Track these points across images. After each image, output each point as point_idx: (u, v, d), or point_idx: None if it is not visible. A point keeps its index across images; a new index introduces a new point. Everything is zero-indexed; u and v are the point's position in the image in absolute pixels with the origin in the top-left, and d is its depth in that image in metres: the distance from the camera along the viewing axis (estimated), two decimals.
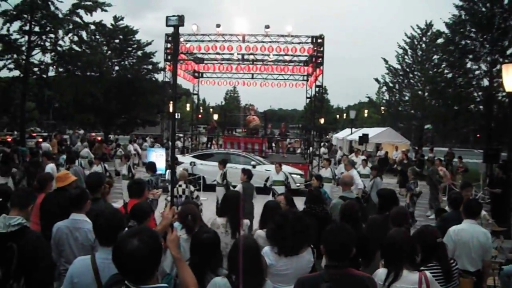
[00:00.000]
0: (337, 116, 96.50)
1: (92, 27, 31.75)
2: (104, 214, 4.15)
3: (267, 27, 23.56)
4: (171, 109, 30.23)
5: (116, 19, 42.60)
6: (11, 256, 4.28)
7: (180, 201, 11.48)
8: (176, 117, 28.22)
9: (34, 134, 43.57)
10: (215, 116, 50.00)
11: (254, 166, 19.58)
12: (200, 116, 50.32)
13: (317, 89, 25.76)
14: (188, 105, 67.20)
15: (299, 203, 8.07)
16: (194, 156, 21.89)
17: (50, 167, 12.53)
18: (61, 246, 5.20)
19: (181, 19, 4.29)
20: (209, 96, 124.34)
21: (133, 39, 43.43)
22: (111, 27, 41.00)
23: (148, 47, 43.50)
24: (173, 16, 4.41)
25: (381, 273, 4.40)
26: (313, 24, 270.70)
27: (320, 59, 24.15)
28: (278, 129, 34.53)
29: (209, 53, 26.14)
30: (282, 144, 29.09)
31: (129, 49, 43.36)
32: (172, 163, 4.61)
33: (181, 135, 31.80)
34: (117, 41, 42.61)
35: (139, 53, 43.42)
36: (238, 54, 26.34)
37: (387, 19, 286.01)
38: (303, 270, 4.80)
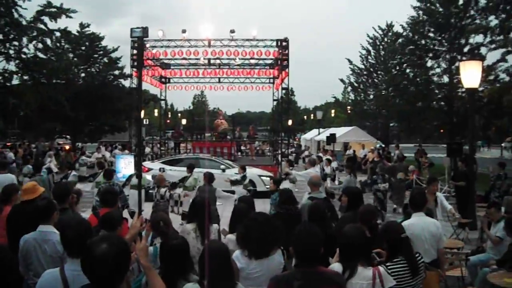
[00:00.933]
0: (305, 117, 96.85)
1: (57, 34, 31.47)
2: (71, 225, 4.17)
3: (232, 31, 23.73)
4: (141, 115, 30.42)
5: (82, 26, 42.14)
6: None
7: (164, 205, 11.70)
8: (144, 123, 28.31)
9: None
10: (183, 121, 49.88)
11: (223, 170, 19.75)
12: (168, 121, 50.12)
13: (283, 91, 26.07)
14: (156, 110, 66.95)
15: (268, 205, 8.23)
16: (163, 162, 21.88)
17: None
18: (29, 259, 5.15)
19: (145, 31, 4.41)
20: (177, 101, 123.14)
21: (99, 45, 43.04)
22: (77, 34, 40.68)
23: (115, 53, 43.21)
24: (137, 28, 4.52)
25: (337, 268, 4.53)
26: (279, 28, 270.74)
27: (286, 61, 24.39)
28: (247, 132, 34.72)
29: (176, 59, 26.04)
30: (250, 146, 29.29)
31: (95, 55, 42.94)
32: (139, 169, 4.68)
33: (149, 141, 31.74)
34: (83, 48, 42.15)
35: (105, 59, 43.06)
36: (204, 58, 26.31)
37: (350, 21, 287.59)
38: (274, 272, 4.87)
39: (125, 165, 20.01)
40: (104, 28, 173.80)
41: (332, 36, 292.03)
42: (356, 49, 48.02)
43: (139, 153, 4.48)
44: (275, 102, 31.31)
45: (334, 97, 53.15)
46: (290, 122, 38.28)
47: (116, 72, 42.70)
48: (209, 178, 12.42)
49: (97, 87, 39.64)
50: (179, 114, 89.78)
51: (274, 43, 24.43)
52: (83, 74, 42.09)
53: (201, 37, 24.20)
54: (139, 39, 4.41)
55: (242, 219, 5.59)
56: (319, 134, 44.40)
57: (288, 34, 35.02)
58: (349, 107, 52.89)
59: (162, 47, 24.74)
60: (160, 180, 12.50)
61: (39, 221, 5.34)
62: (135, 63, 25.08)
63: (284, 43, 24.28)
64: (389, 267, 4.90)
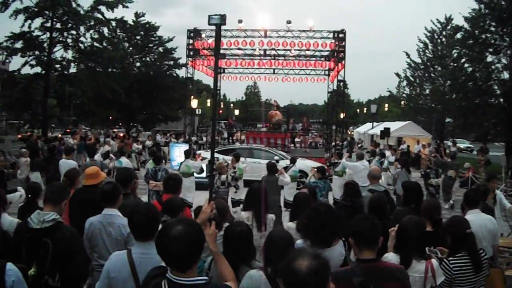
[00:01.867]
0: (357, 110, 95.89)
1: (114, 23, 31.98)
2: (140, 209, 4.18)
3: (288, 22, 23.63)
4: (193, 105, 30.71)
5: (137, 15, 42.76)
6: (45, 252, 4.29)
7: (224, 191, 11.82)
8: (197, 112, 28.24)
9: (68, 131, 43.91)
10: (236, 112, 49.98)
11: (277, 161, 19.61)
12: (220, 111, 50.40)
13: (339, 83, 25.76)
14: (208, 100, 67.36)
15: None
16: (217, 152, 21.96)
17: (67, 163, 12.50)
18: (94, 241, 5.20)
19: (223, 18, 4.34)
20: (229, 91, 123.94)
21: (154, 35, 43.56)
22: (132, 23, 41.31)
23: (169, 43, 43.64)
24: (215, 15, 4.47)
25: (393, 259, 4.42)
26: (335, 19, 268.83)
27: (342, 53, 24.21)
28: (301, 124, 34.50)
29: (231, 49, 26.11)
30: (304, 138, 29.11)
31: (150, 45, 43.53)
32: (211, 157, 4.61)
33: (203, 130, 31.89)
34: (138, 37, 42.76)
35: (160, 49, 43.56)
36: (259, 49, 26.27)
37: (409, 13, 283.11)
38: (335, 262, 4.75)
39: (179, 154, 20.14)
40: (157, 18, 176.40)
41: (390, 29, 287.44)
42: (414, 42, 47.16)
43: (213, 142, 4.37)
44: (329, 95, 31.00)
45: (389, 91, 52.25)
46: (342, 115, 37.82)
47: (171, 62, 43.17)
48: (271, 168, 12.34)
49: (151, 77, 40.18)
50: (231, 105, 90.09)
51: (331, 35, 24.23)
52: (138, 64, 42.73)
53: (257, 27, 24.16)
54: (217, 27, 4.34)
55: (304, 208, 5.49)
56: (372, 128, 43.83)
57: (344, 26, 34.65)
58: (403, 102, 52.12)
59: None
60: (220, 168, 12.54)
61: (105, 204, 5.36)
62: (191, 53, 25.29)
63: (341, 35, 24.06)
64: (451, 262, 4.75)
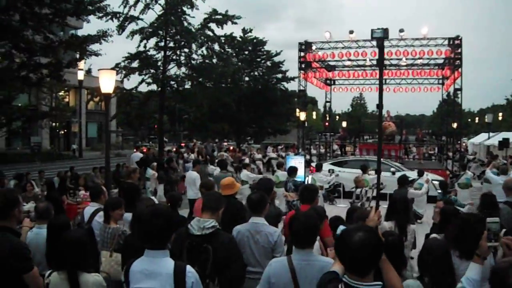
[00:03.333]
0: (468, 120, 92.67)
1: (223, 39, 32.68)
2: (300, 218, 4.29)
3: (401, 30, 23.17)
4: (301, 118, 30.76)
5: (244, 31, 43.59)
6: (206, 257, 4.42)
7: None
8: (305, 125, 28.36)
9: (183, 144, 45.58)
10: (344, 124, 49.60)
11: (393, 173, 19.26)
12: (327, 123, 50.22)
13: (455, 92, 24.90)
14: (314, 113, 67.52)
15: None
16: (331, 164, 21.85)
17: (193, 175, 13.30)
18: (242, 248, 5.33)
19: (385, 32, 4.33)
20: (334, 103, 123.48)
21: (262, 49, 44.23)
22: (240, 39, 42.21)
23: (276, 57, 44.10)
24: (378, 29, 4.47)
25: None
26: (449, 26, 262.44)
27: (458, 61, 23.53)
28: (415, 135, 33.72)
29: (343, 60, 25.91)
30: (419, 150, 28.36)
31: (258, 59, 44.23)
32: (378, 170, 4.58)
33: (314, 142, 31.89)
34: (246, 52, 43.59)
35: (268, 63, 44.12)
36: (370, 60, 25.89)
37: None
38: (487, 274, 4.65)
39: (296, 166, 20.17)
40: (259, 32, 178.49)
41: (503, 34, 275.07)
42: None
43: (379, 157, 4.31)
44: (439, 104, 30.10)
45: (507, 99, 49.97)
46: (455, 125, 36.52)
47: (279, 75, 43.63)
48: (401, 181, 12.28)
49: (260, 90, 40.76)
50: (337, 117, 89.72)
51: (446, 42, 23.57)
52: (246, 78, 43.48)
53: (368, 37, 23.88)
54: (379, 40, 4.33)
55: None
56: (488, 138, 41.92)
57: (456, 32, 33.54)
58: None
59: (329, 48, 24.76)
60: (357, 182, 12.85)
61: (252, 213, 5.56)
62: (303, 65, 25.39)
63: (456, 41, 23.35)
64: None
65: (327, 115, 32.69)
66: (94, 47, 25.38)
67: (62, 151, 49.46)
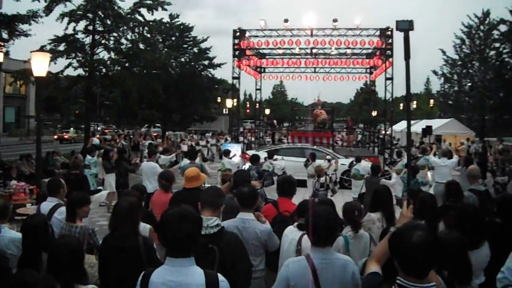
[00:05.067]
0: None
1: (152, 25, 32.00)
2: (321, 215, 4.07)
3: (335, 20, 23.53)
4: (228, 105, 30.71)
5: (172, 17, 42.87)
6: (213, 258, 4.14)
7: (323, 193, 11.89)
8: (224, 112, 28.86)
9: (107, 131, 44.59)
10: (267, 111, 50.01)
11: (329, 161, 19.48)
12: (248, 111, 50.55)
13: (387, 81, 25.34)
14: (235, 100, 67.45)
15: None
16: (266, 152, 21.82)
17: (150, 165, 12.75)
18: None
19: (411, 24, 4.32)
20: (250, 90, 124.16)
21: (189, 36, 43.75)
22: (167, 25, 41.58)
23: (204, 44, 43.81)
24: (403, 20, 4.47)
25: None
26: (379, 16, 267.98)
27: (389, 51, 24.06)
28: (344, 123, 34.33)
29: (278, 48, 25.92)
30: (348, 137, 28.84)
31: (185, 46, 43.71)
32: (408, 158, 4.58)
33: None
34: (173, 38, 43.01)
35: (195, 49, 43.70)
36: (300, 48, 25.99)
37: (442, 10, 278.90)
38: (483, 264, 4.71)
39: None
40: (181, 19, 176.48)
41: (421, 25, 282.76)
42: (449, 39, 46.78)
43: (408, 144, 4.29)
44: (356, 93, 30.69)
45: (426, 88, 51.85)
46: (374, 113, 37.55)
47: (206, 62, 43.33)
48: (375, 169, 12.73)
49: (187, 77, 40.30)
50: (257, 104, 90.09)
51: (377, 32, 24.11)
52: (173, 64, 42.88)
53: (303, 27, 24.15)
54: (405, 32, 4.31)
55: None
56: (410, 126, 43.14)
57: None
58: (432, 100, 51.64)
59: (263, 36, 24.80)
60: (319, 170, 12.85)
61: (242, 209, 5.30)
62: (236, 53, 25.27)
63: (387, 32, 23.87)
64: None
65: (247, 103, 32.43)
66: (24, 27, 24.21)
67: None
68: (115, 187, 14.40)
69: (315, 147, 22.70)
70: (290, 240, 5.14)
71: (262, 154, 20.16)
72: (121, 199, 5.06)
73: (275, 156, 18.27)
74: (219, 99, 50.74)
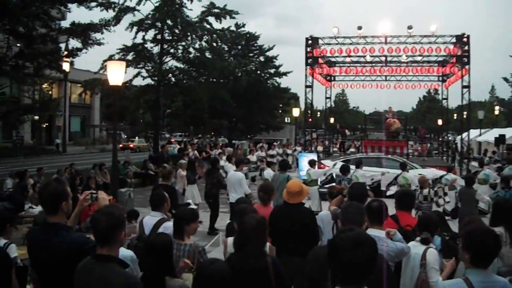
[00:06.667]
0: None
1: (220, 33, 32.16)
2: (483, 234, 3.80)
3: (409, 27, 23.07)
4: (294, 114, 30.48)
5: (238, 26, 43.15)
6: None
7: (427, 206, 11.55)
8: (286, 121, 28.62)
9: (173, 140, 45.09)
10: (331, 120, 49.63)
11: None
12: (310, 119, 50.01)
13: (465, 90, 24.58)
14: (297, 109, 67.18)
15: None
16: (343, 161, 21.50)
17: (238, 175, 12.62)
18: None
19: None
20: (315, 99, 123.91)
21: (255, 44, 43.92)
22: (233, 34, 41.85)
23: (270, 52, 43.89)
24: None
25: None
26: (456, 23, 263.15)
27: (466, 58, 23.41)
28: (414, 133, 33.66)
29: (350, 56, 25.45)
30: (422, 146, 28.24)
31: (251, 54, 43.89)
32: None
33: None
34: (239, 47, 43.26)
35: (261, 58, 43.81)
36: (371, 56, 25.42)
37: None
38: None
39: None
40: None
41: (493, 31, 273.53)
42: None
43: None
44: (444, 101, 29.89)
45: (496, 97, 50.43)
46: (440, 122, 36.67)
47: (272, 70, 43.38)
48: (469, 180, 12.10)
49: (253, 86, 40.39)
50: (318, 113, 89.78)
51: (454, 39, 23.53)
52: (239, 74, 43.13)
53: (377, 33, 23.79)
54: None
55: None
56: (480, 135, 41.93)
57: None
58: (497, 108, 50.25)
59: (336, 44, 24.50)
60: (422, 182, 12.33)
61: (373, 225, 5.04)
62: (309, 61, 25.03)
63: (463, 39, 23.25)
64: None
65: (309, 112, 32.03)
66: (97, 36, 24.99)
67: (44, 145, 48.46)
68: (198, 198, 14.03)
69: (389, 156, 22.25)
70: (414, 255, 5.03)
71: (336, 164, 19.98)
72: (248, 216, 4.79)
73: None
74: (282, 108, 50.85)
